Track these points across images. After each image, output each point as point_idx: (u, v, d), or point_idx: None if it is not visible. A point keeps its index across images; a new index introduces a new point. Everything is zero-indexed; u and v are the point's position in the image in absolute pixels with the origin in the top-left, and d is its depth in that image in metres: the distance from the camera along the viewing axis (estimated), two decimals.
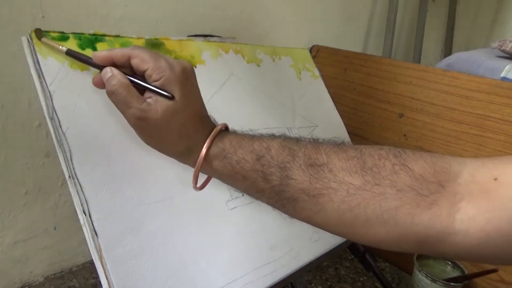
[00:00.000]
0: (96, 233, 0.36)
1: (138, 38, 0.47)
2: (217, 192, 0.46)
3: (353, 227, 0.31)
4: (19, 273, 0.64)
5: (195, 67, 0.52)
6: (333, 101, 0.72)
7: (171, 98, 0.34)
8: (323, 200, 0.31)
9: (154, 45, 0.48)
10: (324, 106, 0.71)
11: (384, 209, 0.29)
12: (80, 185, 0.36)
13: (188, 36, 0.54)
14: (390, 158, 0.30)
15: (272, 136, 0.36)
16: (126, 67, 0.35)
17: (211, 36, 0.57)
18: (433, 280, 0.61)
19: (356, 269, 0.74)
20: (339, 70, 0.86)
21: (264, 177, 0.34)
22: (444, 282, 0.61)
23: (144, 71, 0.34)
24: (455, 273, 0.65)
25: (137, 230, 0.38)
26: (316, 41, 0.97)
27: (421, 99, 0.73)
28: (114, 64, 0.35)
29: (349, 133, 0.72)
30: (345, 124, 0.72)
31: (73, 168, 0.37)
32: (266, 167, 0.34)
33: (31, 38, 0.39)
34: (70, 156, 0.37)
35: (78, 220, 0.36)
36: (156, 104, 0.34)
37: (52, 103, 0.38)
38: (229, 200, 0.47)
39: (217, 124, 0.38)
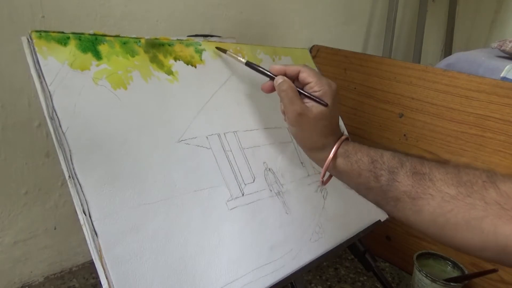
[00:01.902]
0: (96, 233, 0.36)
1: (138, 38, 0.47)
2: (217, 192, 0.46)
3: (443, 230, 0.36)
4: (19, 273, 0.64)
5: (195, 67, 0.52)
6: None
7: (325, 105, 0.45)
8: (422, 203, 0.37)
9: (154, 45, 0.48)
10: None
11: (472, 217, 0.34)
12: (80, 185, 0.36)
13: (188, 36, 0.54)
14: (483, 178, 0.35)
15: (385, 148, 0.44)
16: (291, 80, 0.47)
17: (211, 36, 0.57)
18: (433, 280, 0.61)
19: (356, 269, 0.74)
20: (339, 70, 0.86)
21: (375, 177, 0.41)
22: (444, 282, 0.61)
23: (308, 83, 0.46)
24: (455, 273, 0.65)
25: (137, 230, 0.38)
26: (316, 41, 0.97)
27: (421, 99, 0.73)
28: (285, 75, 0.48)
29: (349, 133, 0.72)
30: (345, 124, 0.72)
31: (73, 168, 0.37)
32: (378, 169, 0.41)
33: (31, 38, 0.39)
34: (70, 156, 0.37)
35: (78, 220, 0.36)
36: (312, 108, 0.45)
37: (52, 103, 0.37)
38: (229, 200, 0.47)
39: (345, 133, 0.49)
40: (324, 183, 0.48)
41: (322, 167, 0.47)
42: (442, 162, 0.39)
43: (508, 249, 0.32)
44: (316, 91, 0.46)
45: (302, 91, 0.46)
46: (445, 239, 0.37)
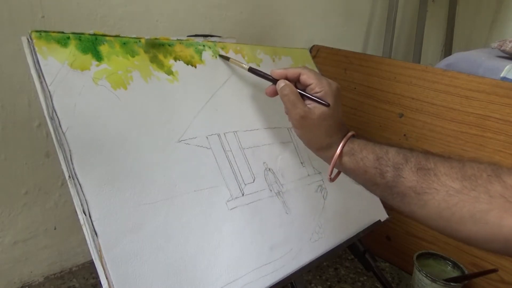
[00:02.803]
0: (96, 233, 0.36)
1: (138, 38, 0.47)
2: (217, 192, 0.46)
3: (449, 223, 0.37)
4: (19, 273, 0.64)
5: (195, 67, 0.52)
6: None
7: (327, 105, 0.46)
8: (427, 197, 0.38)
9: (154, 45, 0.48)
10: None
11: (477, 210, 0.34)
12: (80, 185, 0.36)
13: (188, 36, 0.54)
14: (488, 171, 0.36)
15: (390, 145, 0.45)
16: (293, 83, 0.49)
17: (211, 36, 0.57)
18: (433, 280, 0.61)
19: (356, 269, 0.74)
20: (339, 70, 0.86)
21: (381, 173, 0.42)
22: (444, 282, 0.61)
23: (309, 85, 0.47)
24: (455, 273, 0.65)
25: (137, 230, 0.38)
26: (316, 41, 0.97)
27: (421, 99, 0.73)
28: (287, 79, 0.49)
29: None
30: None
31: (73, 168, 0.37)
32: (384, 166, 0.42)
33: (31, 38, 0.38)
34: (70, 156, 0.37)
35: (78, 220, 0.36)
36: (314, 109, 0.46)
37: (52, 103, 0.37)
38: (229, 200, 0.47)
39: (350, 131, 0.49)
40: (332, 180, 0.49)
41: (330, 164, 0.48)
42: (446, 157, 0.40)
43: None
44: (317, 92, 0.47)
45: (303, 93, 0.47)
46: (451, 232, 0.38)
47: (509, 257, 0.63)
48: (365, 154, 0.45)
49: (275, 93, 0.50)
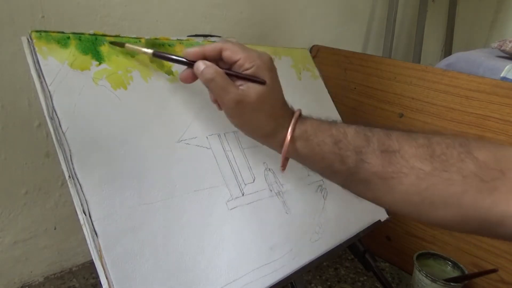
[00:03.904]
0: (96, 233, 0.36)
1: (138, 38, 0.47)
2: (217, 192, 0.46)
3: (418, 208, 0.34)
4: (19, 273, 0.64)
5: None
6: (333, 101, 0.72)
7: (263, 83, 0.38)
8: (393, 182, 0.34)
9: (154, 45, 0.48)
10: (324, 106, 0.71)
11: (450, 193, 0.32)
12: (80, 185, 0.36)
13: (188, 36, 0.54)
14: (456, 147, 0.33)
15: (348, 123, 0.40)
16: (214, 62, 0.40)
17: (211, 36, 0.57)
18: (433, 280, 0.61)
19: (356, 269, 0.74)
20: (339, 70, 0.86)
21: (341, 159, 0.37)
22: (444, 282, 0.61)
23: (235, 62, 0.39)
24: (455, 273, 0.65)
25: (137, 230, 0.38)
26: (316, 41, 0.97)
27: (421, 99, 0.73)
28: (205, 59, 0.39)
29: None
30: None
31: (73, 168, 0.37)
32: (344, 150, 0.37)
33: (31, 38, 0.38)
34: (70, 156, 0.37)
35: (78, 220, 0.36)
36: (249, 90, 0.38)
37: (52, 103, 0.37)
38: (229, 200, 0.47)
39: (294, 109, 0.42)
40: (283, 168, 0.42)
41: (280, 153, 0.41)
42: (409, 132, 0.36)
43: (489, 222, 0.31)
44: (247, 69, 0.39)
45: (231, 72, 0.39)
46: (423, 218, 0.35)
47: (509, 257, 0.63)
48: (321, 138, 0.39)
49: (193, 78, 0.41)
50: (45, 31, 0.40)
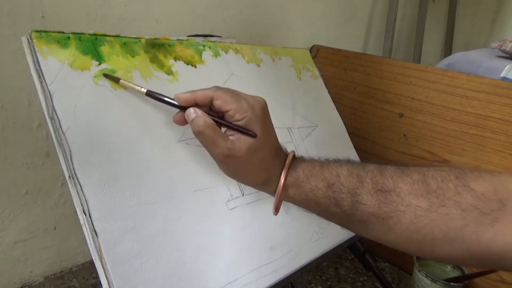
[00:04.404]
0: (96, 233, 0.36)
1: (138, 38, 0.47)
2: (217, 192, 0.46)
3: (420, 246, 0.34)
4: (19, 273, 0.64)
5: (195, 67, 0.52)
6: (333, 101, 0.72)
7: (254, 136, 0.38)
8: (392, 222, 0.34)
9: (154, 45, 0.48)
10: (324, 106, 0.71)
11: (450, 229, 0.31)
12: (80, 185, 0.36)
13: (188, 36, 0.54)
14: (452, 180, 0.32)
15: (340, 162, 0.39)
16: (206, 107, 0.39)
17: (211, 36, 0.57)
18: (433, 280, 0.61)
19: (356, 269, 0.74)
20: (339, 70, 0.86)
21: (335, 203, 0.37)
22: (444, 282, 0.61)
23: (226, 112, 0.38)
24: (455, 273, 0.65)
25: (137, 230, 0.38)
26: (316, 41, 0.97)
27: (421, 99, 0.73)
28: (196, 105, 0.38)
29: (349, 133, 0.72)
30: (345, 124, 0.72)
31: (73, 168, 0.37)
32: (337, 193, 0.37)
33: (31, 38, 0.38)
34: (70, 156, 0.37)
35: (78, 220, 0.36)
36: (239, 142, 0.37)
37: (52, 103, 0.38)
38: (229, 200, 0.47)
39: (287, 152, 0.42)
40: (276, 213, 0.41)
41: (273, 197, 0.41)
42: (403, 168, 0.36)
43: (492, 255, 0.31)
44: (238, 120, 0.38)
45: (222, 122, 0.38)
46: (424, 254, 0.35)
47: None
48: (314, 184, 0.38)
49: (185, 122, 0.39)
50: (45, 31, 0.40)
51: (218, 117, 0.39)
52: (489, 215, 0.30)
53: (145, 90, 0.41)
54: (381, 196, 0.34)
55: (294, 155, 0.41)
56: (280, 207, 0.41)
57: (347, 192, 0.36)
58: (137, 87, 0.41)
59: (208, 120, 0.37)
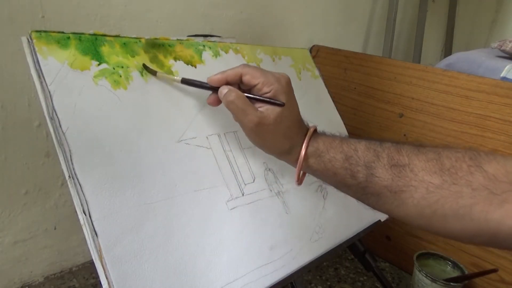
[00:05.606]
0: (96, 233, 0.36)
1: (138, 38, 0.47)
2: (217, 192, 0.46)
3: (431, 221, 0.35)
4: (19, 273, 0.64)
5: (195, 67, 0.52)
6: (333, 101, 0.72)
7: (282, 105, 0.41)
8: (404, 196, 0.35)
9: (154, 45, 0.48)
10: (324, 106, 0.71)
11: (460, 206, 0.32)
12: (80, 185, 0.36)
13: (188, 36, 0.54)
14: (466, 160, 0.33)
15: (359, 139, 0.41)
16: (236, 85, 0.43)
17: (211, 36, 0.57)
18: (433, 280, 0.61)
19: (356, 269, 0.74)
20: (339, 70, 0.86)
21: (352, 174, 0.39)
22: (444, 282, 0.61)
23: (255, 85, 0.42)
24: (455, 273, 0.65)
25: (137, 230, 0.38)
26: (316, 41, 0.97)
27: (421, 99, 0.73)
28: (227, 83, 0.43)
29: (349, 133, 0.72)
30: (345, 124, 0.72)
31: (73, 168, 0.37)
32: (354, 165, 0.39)
33: (31, 38, 0.38)
34: (70, 156, 0.37)
35: (78, 220, 0.36)
36: (268, 112, 0.41)
37: (52, 103, 0.37)
38: (229, 200, 0.47)
39: (309, 126, 0.45)
40: (299, 183, 0.45)
41: (295, 167, 0.44)
42: (419, 146, 0.37)
43: (500, 234, 0.31)
44: (266, 92, 0.42)
45: (251, 96, 0.42)
46: (433, 230, 0.36)
47: (509, 257, 0.63)
48: (332, 155, 0.41)
49: (218, 102, 0.44)
50: (45, 31, 0.40)
51: (248, 92, 0.42)
52: (499, 195, 0.31)
53: (179, 79, 0.45)
54: (395, 170, 0.36)
55: (315, 129, 0.44)
56: (300, 176, 0.44)
57: (363, 164, 0.38)
58: (173, 78, 0.46)
59: (239, 92, 0.41)
